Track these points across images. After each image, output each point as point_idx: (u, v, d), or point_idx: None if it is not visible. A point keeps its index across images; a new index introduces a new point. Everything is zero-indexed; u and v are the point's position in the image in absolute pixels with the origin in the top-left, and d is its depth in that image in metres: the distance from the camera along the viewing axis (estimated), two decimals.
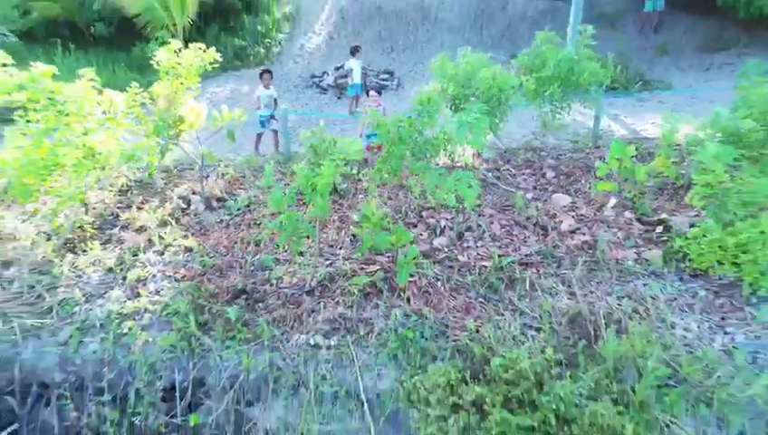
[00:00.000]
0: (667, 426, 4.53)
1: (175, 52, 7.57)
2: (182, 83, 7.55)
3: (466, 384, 4.64)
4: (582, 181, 7.90)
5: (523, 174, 8.27)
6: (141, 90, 7.38)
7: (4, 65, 6.96)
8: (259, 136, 9.94)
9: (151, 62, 7.52)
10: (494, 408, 4.39)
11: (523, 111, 9.49)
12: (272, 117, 9.73)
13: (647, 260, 6.28)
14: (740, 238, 5.74)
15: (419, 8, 18.38)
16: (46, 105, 6.33)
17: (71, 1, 16.72)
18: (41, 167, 6.07)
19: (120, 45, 16.68)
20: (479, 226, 6.80)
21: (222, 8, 17.74)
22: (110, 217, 7.18)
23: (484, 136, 6.09)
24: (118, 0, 15.68)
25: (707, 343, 5.24)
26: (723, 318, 5.59)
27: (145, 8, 15.74)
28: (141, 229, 6.90)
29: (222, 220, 7.25)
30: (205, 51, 7.65)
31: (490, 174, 8.13)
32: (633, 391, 4.61)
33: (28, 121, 6.23)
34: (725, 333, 5.41)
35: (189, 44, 7.61)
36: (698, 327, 5.41)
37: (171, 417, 5.30)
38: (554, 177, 8.14)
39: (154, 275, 6.16)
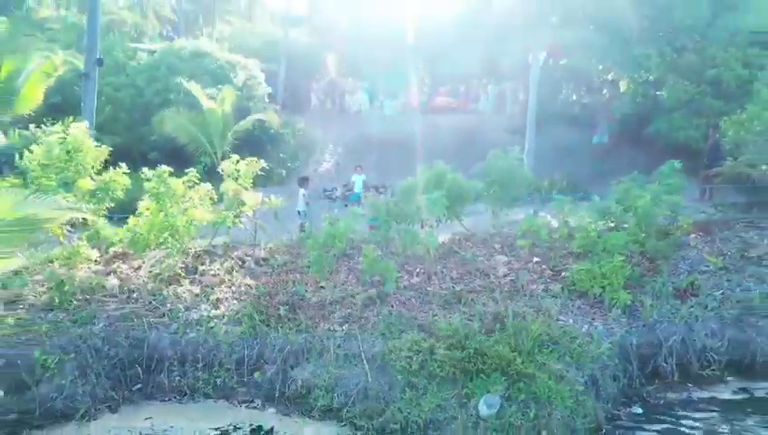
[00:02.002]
0: (543, 364, 7.89)
1: (235, 162, 11.76)
2: (240, 183, 11.63)
3: (425, 341, 8.07)
4: (518, 249, 11.63)
5: (478, 246, 12.03)
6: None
7: (125, 173, 11.20)
8: (302, 225, 13.78)
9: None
10: (439, 350, 7.80)
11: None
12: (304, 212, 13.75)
13: (551, 290, 9.88)
14: (603, 270, 9.43)
15: (411, 139, 23.33)
16: (162, 192, 10.31)
17: (132, 134, 21.65)
18: (159, 228, 9.90)
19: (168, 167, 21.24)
20: (443, 271, 10.47)
21: (251, 139, 22.63)
22: (192, 268, 10.84)
23: (443, 209, 10.01)
24: (171, 133, 20.54)
25: (578, 329, 8.72)
26: (593, 318, 9.12)
27: (192, 139, 20.58)
28: (214, 275, 10.53)
29: (267, 272, 10.90)
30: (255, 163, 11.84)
31: (454, 246, 11.90)
32: (523, 344, 8.04)
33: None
34: (592, 326, 8.91)
35: None
36: (573, 321, 8.92)
37: (240, 377, 8.59)
38: (500, 247, 11.90)
39: (227, 298, 9.72)
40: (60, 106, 21.85)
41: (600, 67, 21.19)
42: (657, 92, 20.43)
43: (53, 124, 16.67)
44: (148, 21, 35.39)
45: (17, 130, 18.18)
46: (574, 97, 29.63)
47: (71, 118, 18.73)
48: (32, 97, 19.47)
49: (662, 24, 18.95)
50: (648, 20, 18.82)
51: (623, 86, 21.19)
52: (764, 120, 11.75)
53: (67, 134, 11.99)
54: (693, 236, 12.06)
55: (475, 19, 23.80)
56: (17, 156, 11.66)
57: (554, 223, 11.85)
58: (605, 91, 24.53)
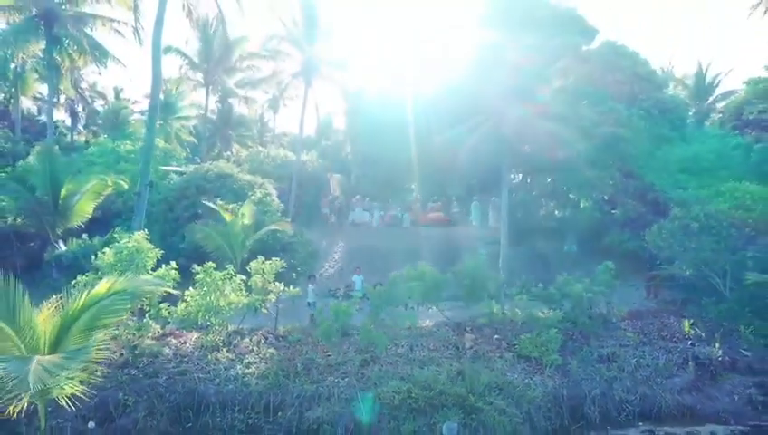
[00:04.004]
0: (491, 402, 11.02)
1: (261, 262, 15.45)
2: (265, 277, 15.21)
3: (405, 385, 11.24)
4: (483, 330, 14.92)
5: (453, 329, 15.32)
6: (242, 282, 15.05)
7: (174, 268, 14.78)
8: (312, 314, 17.11)
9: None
10: (414, 390, 10.96)
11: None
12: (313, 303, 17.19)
13: (504, 357, 13.10)
14: (541, 339, 12.72)
15: (405, 250, 27.16)
16: (208, 281, 13.86)
17: (163, 243, 25.45)
18: (207, 309, 13.34)
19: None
20: (422, 344, 13.73)
21: (266, 247, 26.35)
22: (227, 342, 14.08)
23: (420, 293, 13.49)
24: (199, 242, 24.37)
25: (520, 380, 11.89)
26: (532, 374, 12.31)
27: (216, 247, 24.35)
28: (245, 346, 13.78)
29: (285, 345, 14.14)
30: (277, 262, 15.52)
31: (434, 328, 15.21)
32: (476, 388, 11.20)
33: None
34: (531, 379, 12.08)
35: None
36: (517, 376, 12.11)
37: (267, 417, 11.62)
38: (470, 329, 15.19)
39: (256, 362, 12.93)
40: (100, 218, 26.04)
41: (565, 188, 25.39)
42: (613, 210, 24.54)
43: (104, 235, 20.79)
44: (174, 145, 40.76)
45: (75, 239, 22.06)
46: (557, 212, 33.90)
47: (117, 227, 22.75)
48: (83, 212, 23.78)
49: (611, 154, 23.34)
50: (599, 151, 23.22)
51: (582, 204, 25.32)
52: (669, 230, 15.52)
53: (129, 240, 15.71)
54: (626, 321, 15.43)
55: (457, 143, 28.28)
56: (93, 256, 15.30)
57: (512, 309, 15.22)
58: (582, 205, 28.59)
